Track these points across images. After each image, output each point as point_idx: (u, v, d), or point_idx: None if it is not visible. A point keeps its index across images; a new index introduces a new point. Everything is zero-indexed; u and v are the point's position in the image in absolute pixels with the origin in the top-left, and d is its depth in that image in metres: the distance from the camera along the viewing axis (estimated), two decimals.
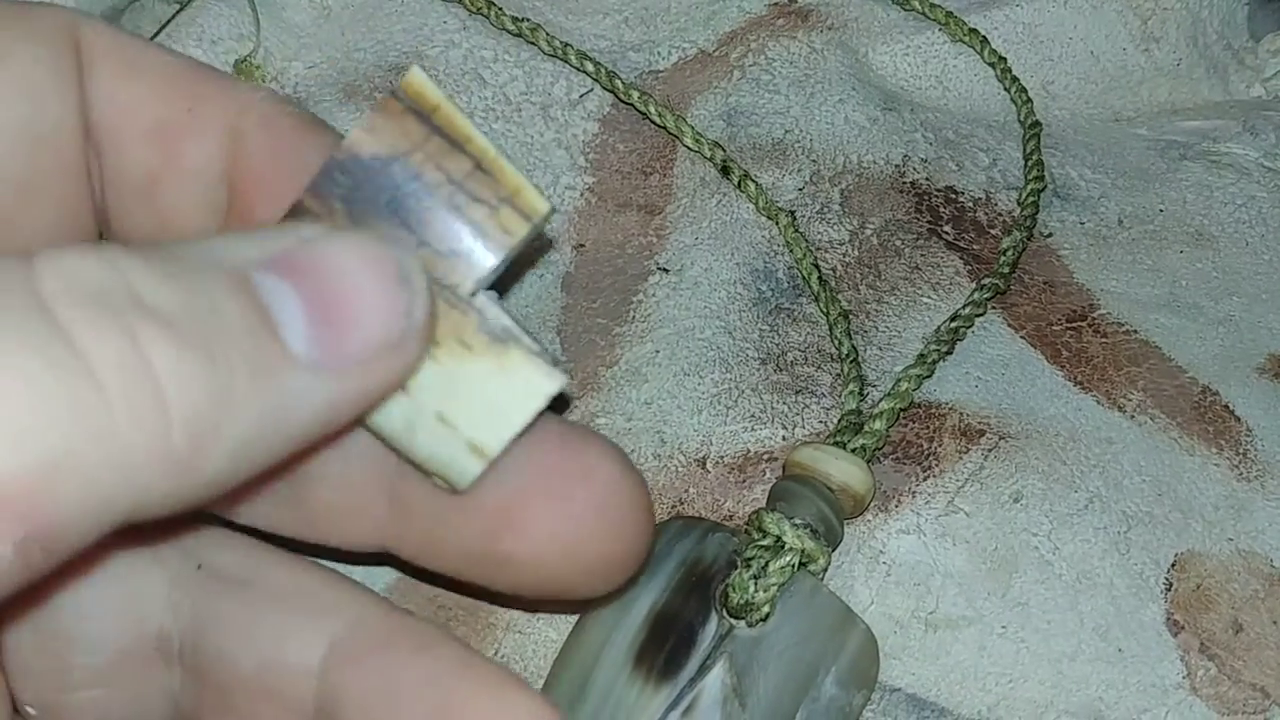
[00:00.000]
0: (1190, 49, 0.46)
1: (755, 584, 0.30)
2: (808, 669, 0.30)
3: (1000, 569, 0.33)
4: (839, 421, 0.35)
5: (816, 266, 0.38)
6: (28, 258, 0.17)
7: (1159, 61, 0.46)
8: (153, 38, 0.41)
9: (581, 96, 0.43)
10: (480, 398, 0.22)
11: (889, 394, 0.35)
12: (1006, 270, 0.39)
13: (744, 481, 0.35)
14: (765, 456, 0.35)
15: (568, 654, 0.31)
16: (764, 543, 0.31)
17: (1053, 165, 0.43)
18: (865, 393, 0.36)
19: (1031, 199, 0.41)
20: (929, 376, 0.36)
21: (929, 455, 0.35)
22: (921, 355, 0.36)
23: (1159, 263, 0.41)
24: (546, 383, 0.23)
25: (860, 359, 0.36)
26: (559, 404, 0.24)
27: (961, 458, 0.35)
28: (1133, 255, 0.41)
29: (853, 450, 0.33)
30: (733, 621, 0.30)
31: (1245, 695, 0.32)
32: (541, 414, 0.23)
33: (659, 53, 0.45)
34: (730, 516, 0.34)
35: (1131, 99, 0.46)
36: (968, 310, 0.37)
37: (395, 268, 0.20)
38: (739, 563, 0.31)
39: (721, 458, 0.35)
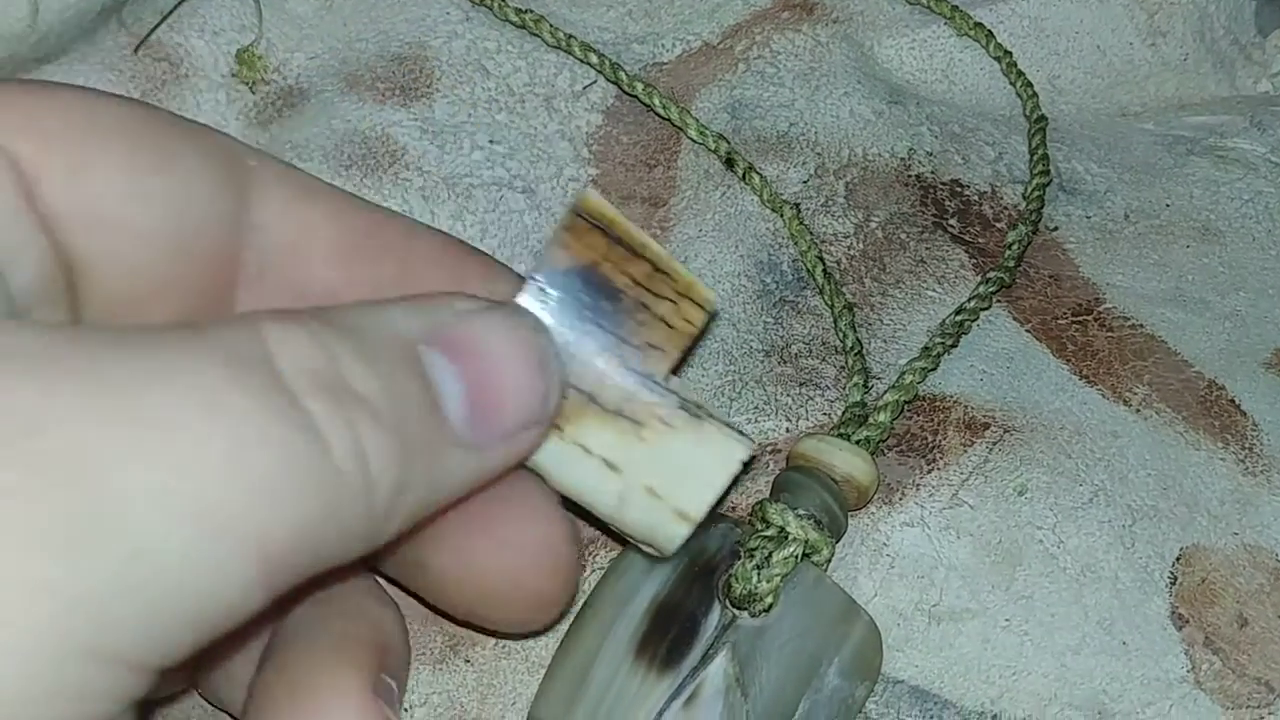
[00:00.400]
0: (1197, 44, 0.46)
1: (758, 574, 0.30)
2: (811, 660, 0.30)
3: (1004, 562, 0.33)
4: (843, 413, 0.34)
5: (821, 259, 0.38)
6: (255, 327, 0.19)
7: (1165, 56, 0.46)
8: (154, 28, 0.41)
9: (585, 88, 0.43)
10: (683, 469, 0.26)
11: (893, 386, 0.35)
12: (1011, 264, 0.39)
13: (747, 473, 0.34)
14: (769, 448, 0.35)
15: (569, 645, 0.31)
16: (767, 533, 0.31)
17: (1059, 159, 0.43)
18: (870, 385, 0.36)
19: (1037, 193, 0.41)
20: (934, 369, 0.36)
21: (933, 448, 0.35)
22: (926, 348, 0.36)
23: (1165, 257, 0.41)
24: (739, 450, 0.26)
25: (865, 351, 0.36)
26: (746, 466, 0.27)
27: (966, 450, 0.35)
28: (1139, 249, 0.41)
29: (857, 442, 0.33)
30: (736, 612, 0.30)
31: (1250, 689, 0.32)
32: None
33: (663, 45, 0.44)
34: (734, 508, 0.34)
35: (1138, 94, 0.46)
36: (973, 304, 0.37)
37: (539, 354, 0.23)
38: (742, 553, 0.31)
39: None
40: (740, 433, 0.26)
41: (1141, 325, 0.39)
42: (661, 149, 0.42)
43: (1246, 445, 0.36)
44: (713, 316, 0.26)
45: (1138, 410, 0.36)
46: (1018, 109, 0.44)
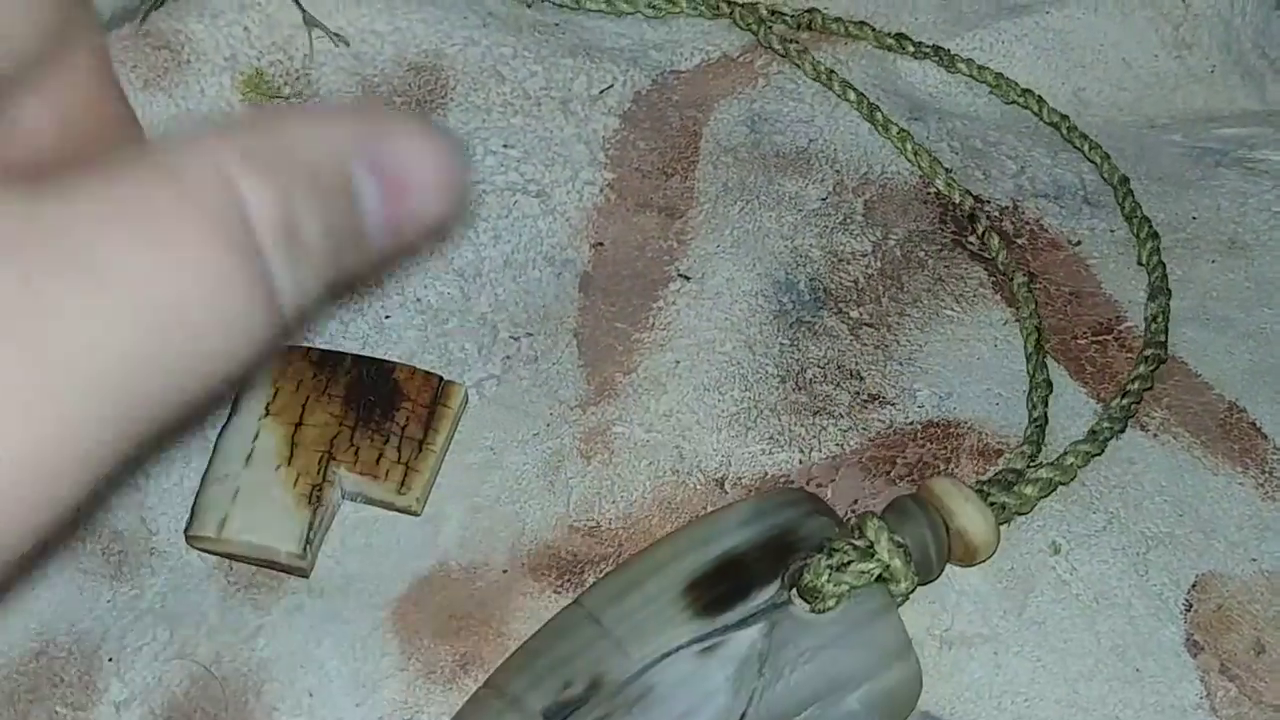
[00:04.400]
0: (1224, 56, 0.45)
1: (830, 574, 0.30)
2: (841, 675, 0.30)
3: (1016, 588, 0.33)
4: (996, 472, 0.34)
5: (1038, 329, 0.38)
6: (226, 177, 0.20)
7: (1192, 68, 0.45)
8: (152, 8, 0.41)
9: (602, 92, 0.43)
10: None
11: (1052, 464, 0.34)
12: (1162, 338, 0.38)
13: None
14: (782, 480, 0.35)
15: (644, 554, 0.32)
16: (857, 541, 0.31)
17: (1084, 171, 0.43)
18: (1036, 458, 0.35)
19: (1154, 256, 0.39)
20: (1099, 454, 0.35)
21: (946, 476, 0.35)
22: (1093, 431, 0.35)
23: (1190, 273, 0.41)
24: None
25: (1042, 421, 0.36)
26: None
27: (978, 478, 0.35)
28: (1164, 263, 0.41)
29: (992, 504, 0.33)
30: (792, 597, 0.31)
31: (1267, 717, 0.32)
32: None
33: (681, 53, 0.44)
34: (852, 511, 0.34)
35: (1166, 106, 0.45)
36: (1136, 385, 0.36)
37: (452, 171, 0.23)
38: (826, 549, 0.31)
39: (740, 479, 0.35)
40: None
41: None
42: (679, 157, 0.42)
43: (1266, 469, 0.36)
44: None
45: (1155, 435, 0.36)
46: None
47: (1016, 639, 0.33)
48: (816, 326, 0.38)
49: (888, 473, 0.35)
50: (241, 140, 0.21)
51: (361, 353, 0.36)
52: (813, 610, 0.30)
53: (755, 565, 0.31)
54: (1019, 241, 0.41)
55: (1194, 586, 0.33)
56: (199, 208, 0.19)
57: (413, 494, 0.34)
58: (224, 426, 0.35)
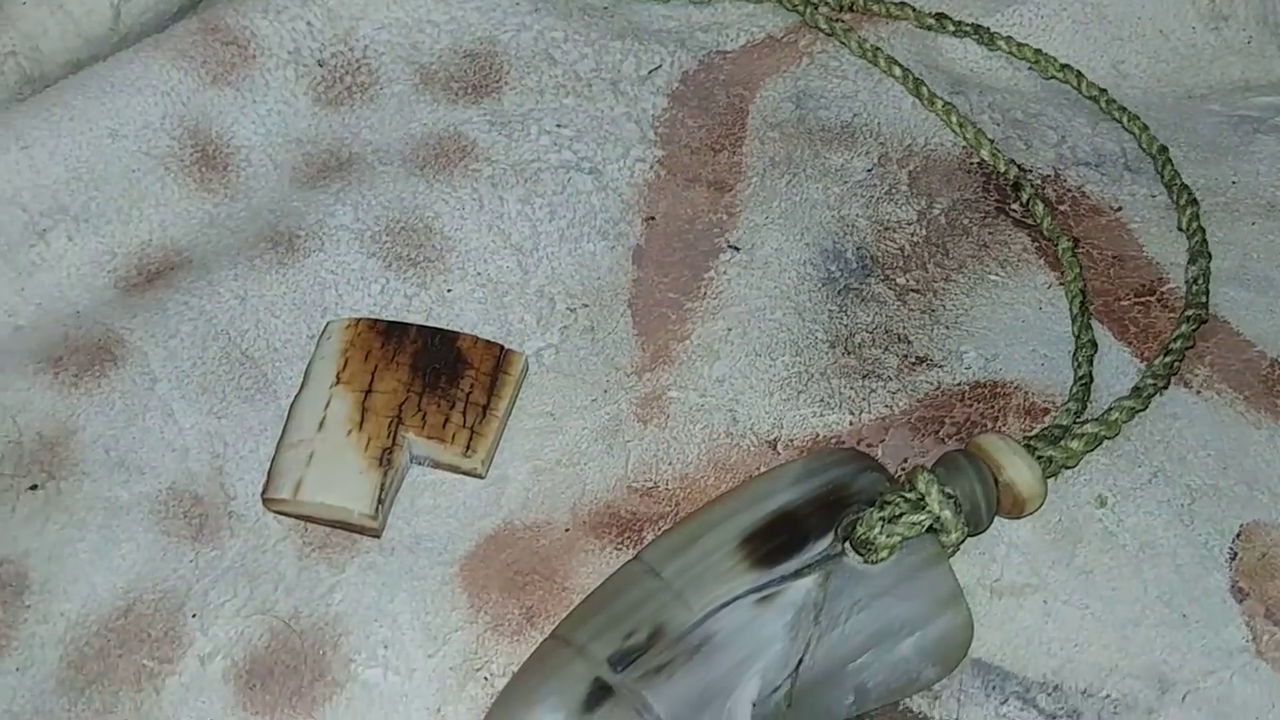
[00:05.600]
0: (1260, 27, 0.46)
1: (882, 525, 0.31)
2: (894, 622, 0.31)
3: (1064, 539, 0.34)
4: (1043, 426, 0.35)
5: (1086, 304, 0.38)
6: None
7: (1229, 40, 0.46)
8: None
9: (650, 73, 0.44)
10: None
11: (1097, 419, 0.35)
12: (1204, 299, 0.38)
13: None
14: (833, 440, 0.36)
15: (700, 513, 0.33)
16: (908, 494, 0.32)
17: (1124, 139, 0.44)
18: (1082, 414, 0.36)
19: (1194, 222, 0.40)
20: (1143, 410, 0.36)
21: (994, 432, 0.36)
22: (1137, 388, 0.36)
23: (1230, 235, 0.41)
24: None
25: (1087, 380, 0.36)
26: None
27: (1025, 434, 0.35)
28: (1204, 228, 0.42)
29: (1039, 457, 0.34)
30: (846, 549, 0.32)
31: None
32: None
33: (727, 34, 0.46)
34: (903, 468, 0.35)
35: (1204, 77, 0.46)
36: (1178, 343, 0.37)
37: None
38: (878, 502, 0.32)
39: (792, 440, 0.36)
40: None
41: None
42: (727, 134, 0.43)
43: None
44: None
45: (1198, 391, 0.37)
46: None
47: (1065, 588, 0.33)
48: (864, 293, 0.39)
49: (936, 432, 0.36)
50: None
51: (426, 324, 0.38)
52: (866, 561, 0.32)
53: (809, 519, 0.32)
54: (1061, 208, 0.42)
55: (1238, 536, 0.34)
56: None
57: (478, 457, 0.35)
58: (297, 395, 0.36)
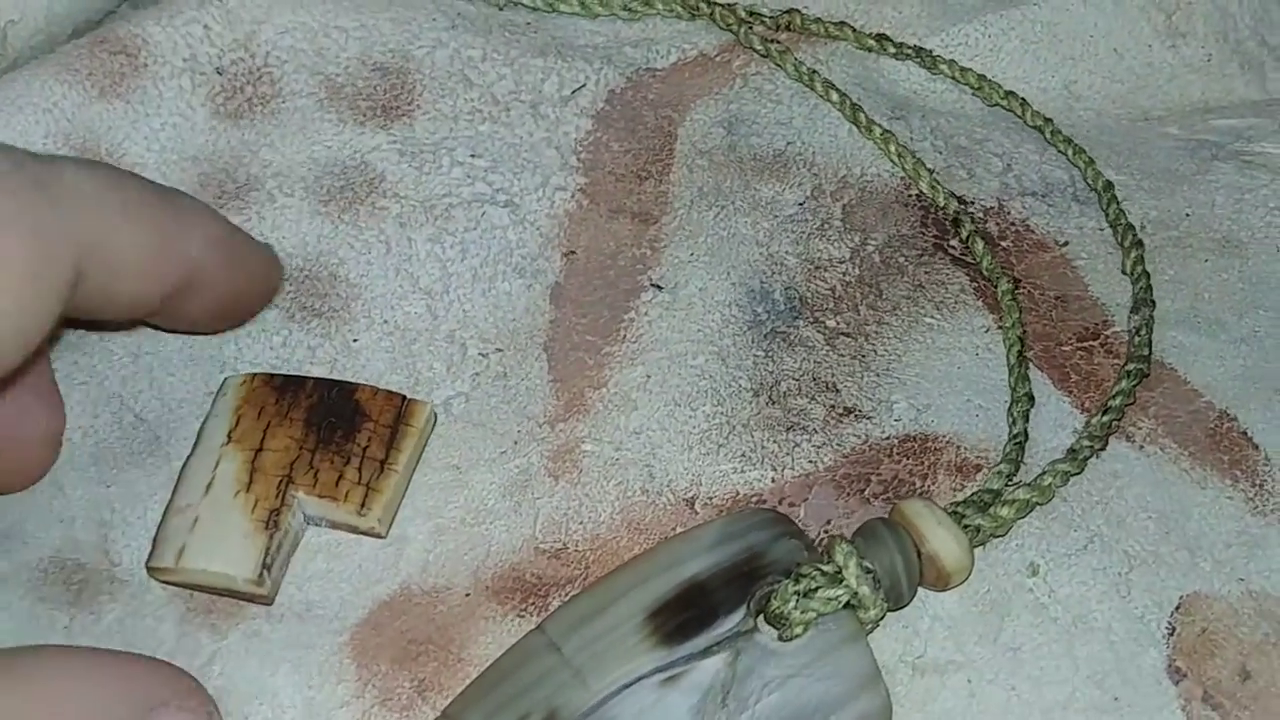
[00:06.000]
0: (1220, 45, 0.44)
1: (796, 601, 0.29)
2: (808, 705, 0.29)
3: (992, 611, 0.32)
4: (971, 494, 0.33)
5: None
6: None
7: (1187, 58, 0.44)
8: None
9: (574, 92, 0.41)
10: None
11: (1030, 484, 0.33)
12: (1146, 351, 0.36)
13: None
14: (754, 499, 0.34)
15: (601, 582, 0.31)
16: (825, 567, 0.30)
17: (1073, 167, 0.42)
18: (1014, 478, 0.34)
19: (1138, 265, 0.38)
20: (1079, 474, 0.34)
21: (921, 494, 0.34)
22: (1073, 450, 0.34)
23: (1181, 273, 0.39)
24: None
25: (1021, 438, 0.34)
26: None
27: (955, 495, 0.33)
28: (1154, 265, 0.39)
29: (966, 526, 0.32)
30: (758, 625, 0.30)
31: None
32: None
33: (657, 50, 0.43)
34: (825, 534, 0.33)
35: (1161, 97, 0.44)
36: (1118, 400, 0.35)
37: None
38: (793, 574, 0.30)
39: (710, 499, 0.34)
40: None
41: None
42: (654, 159, 0.41)
43: (1257, 482, 0.34)
44: None
45: (1141, 447, 0.35)
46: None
47: (991, 666, 0.32)
48: (792, 337, 0.37)
49: (862, 491, 0.34)
50: None
51: (329, 376, 0.36)
52: (779, 638, 0.30)
53: (720, 591, 0.30)
54: (1004, 244, 0.39)
55: (1177, 609, 0.32)
56: None
57: (374, 515, 0.33)
58: (188, 457, 0.34)
